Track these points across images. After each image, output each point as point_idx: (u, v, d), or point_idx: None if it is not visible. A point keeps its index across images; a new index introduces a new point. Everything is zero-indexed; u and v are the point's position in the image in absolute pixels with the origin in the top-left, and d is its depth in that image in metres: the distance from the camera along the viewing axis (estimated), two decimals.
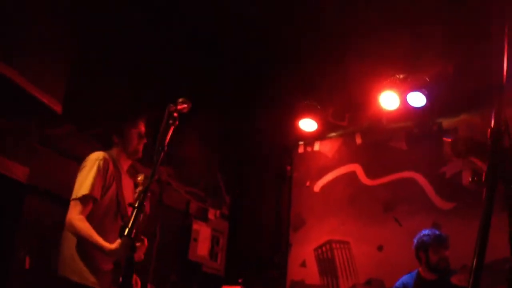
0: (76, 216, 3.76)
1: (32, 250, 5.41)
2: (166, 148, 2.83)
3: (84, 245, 3.76)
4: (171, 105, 2.98)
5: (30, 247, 5.40)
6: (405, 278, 5.49)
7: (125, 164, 4.34)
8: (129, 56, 6.43)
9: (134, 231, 2.40)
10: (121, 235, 2.38)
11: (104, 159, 4.05)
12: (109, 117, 5.39)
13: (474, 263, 1.40)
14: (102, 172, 3.99)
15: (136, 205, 2.51)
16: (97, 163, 4.00)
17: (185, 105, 3.01)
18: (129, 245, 2.36)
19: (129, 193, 4.17)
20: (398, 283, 5.50)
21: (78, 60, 5.77)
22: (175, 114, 2.95)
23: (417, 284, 5.31)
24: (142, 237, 3.90)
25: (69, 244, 3.85)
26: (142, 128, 4.36)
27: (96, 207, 3.95)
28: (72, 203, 3.86)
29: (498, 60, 1.87)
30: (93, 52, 6.10)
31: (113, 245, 3.54)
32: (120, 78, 6.43)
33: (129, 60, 6.47)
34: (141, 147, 4.36)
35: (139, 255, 3.94)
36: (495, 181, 1.48)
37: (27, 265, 5.32)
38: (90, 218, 3.85)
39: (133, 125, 4.31)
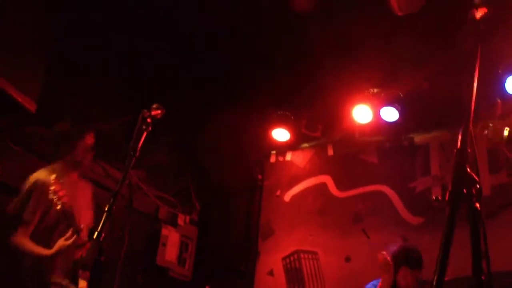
0: (18, 238, 4.13)
1: None
2: (138, 153, 2.83)
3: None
4: (145, 110, 2.99)
5: None
6: (372, 283, 5.49)
7: (74, 174, 4.42)
8: (106, 57, 6.40)
9: (103, 234, 2.41)
10: (89, 238, 2.38)
11: (42, 181, 4.24)
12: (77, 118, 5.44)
13: (435, 281, 1.44)
14: (36, 196, 4.20)
15: (106, 209, 2.51)
16: (35, 186, 4.24)
17: (159, 111, 3.03)
18: (96, 248, 2.36)
19: (85, 199, 4.30)
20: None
21: (54, 60, 5.75)
22: (149, 120, 2.95)
23: None
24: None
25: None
26: (89, 141, 4.44)
27: (41, 225, 4.18)
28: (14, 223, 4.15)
29: (468, 82, 1.91)
30: (70, 52, 6.06)
31: (52, 250, 3.92)
32: (96, 79, 6.40)
33: (106, 61, 6.43)
34: (86, 160, 4.53)
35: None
36: (458, 201, 1.51)
37: None
38: (35, 236, 4.13)
39: (79, 138, 4.40)
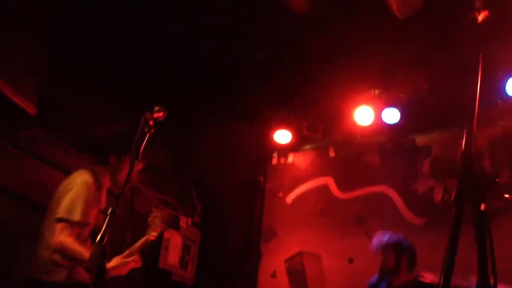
0: (67, 239, 3.93)
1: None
2: (140, 156, 2.83)
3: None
4: (147, 113, 2.98)
5: None
6: (371, 280, 5.49)
7: (107, 183, 4.41)
8: (105, 58, 6.39)
9: (106, 237, 2.40)
10: (93, 242, 2.38)
11: (92, 184, 4.20)
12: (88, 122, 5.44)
13: (441, 285, 1.42)
14: (92, 197, 4.15)
15: (108, 212, 2.51)
16: (87, 188, 4.15)
17: (161, 113, 3.02)
18: (100, 251, 2.36)
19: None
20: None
21: (53, 63, 5.74)
22: (151, 122, 2.95)
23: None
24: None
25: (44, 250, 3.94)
26: (140, 166, 4.45)
27: (83, 229, 4.12)
28: (61, 224, 3.93)
29: (471, 84, 1.91)
30: (68, 55, 6.06)
31: (109, 264, 4.04)
32: (96, 80, 6.39)
33: (105, 62, 6.42)
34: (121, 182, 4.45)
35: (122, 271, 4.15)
36: (463, 202, 1.50)
37: None
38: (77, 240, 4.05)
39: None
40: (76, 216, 3.98)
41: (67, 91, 6.10)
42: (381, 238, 5.47)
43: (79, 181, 4.18)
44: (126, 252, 4.38)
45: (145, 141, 2.87)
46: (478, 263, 1.50)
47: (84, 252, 3.88)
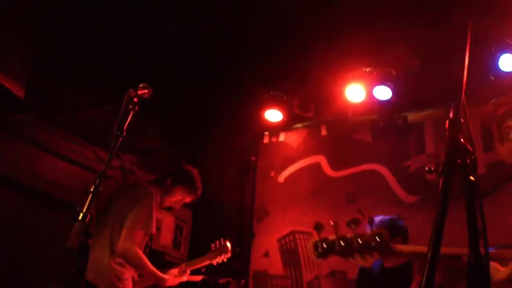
0: (135, 248, 4.31)
1: None
2: (124, 133, 2.77)
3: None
4: (131, 90, 2.93)
5: None
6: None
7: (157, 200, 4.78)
8: (95, 43, 6.32)
9: (88, 216, 2.36)
10: (75, 219, 2.34)
11: (156, 200, 4.62)
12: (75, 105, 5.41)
13: (429, 254, 1.38)
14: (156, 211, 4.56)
15: (91, 190, 2.46)
16: (153, 203, 4.53)
17: (146, 91, 2.96)
18: (82, 230, 2.31)
19: None
20: (359, 268, 5.47)
21: (42, 46, 5.68)
22: (135, 100, 2.89)
23: (376, 269, 5.28)
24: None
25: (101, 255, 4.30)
26: (188, 199, 4.67)
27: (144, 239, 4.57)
28: (133, 232, 4.35)
29: (460, 55, 1.86)
30: (58, 38, 5.99)
31: (166, 276, 4.58)
32: (86, 64, 6.32)
33: (95, 47, 6.35)
34: (169, 205, 5.02)
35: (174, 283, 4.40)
36: (452, 171, 1.46)
37: None
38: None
39: (185, 191, 4.96)
40: (149, 228, 4.46)
41: (57, 75, 6.02)
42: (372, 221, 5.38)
43: (148, 197, 4.57)
44: (182, 266, 4.95)
45: (129, 118, 2.82)
46: (469, 235, 1.46)
47: (147, 262, 4.45)
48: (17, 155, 5.67)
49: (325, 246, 2.59)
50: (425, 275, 1.33)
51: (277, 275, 7.44)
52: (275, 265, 7.50)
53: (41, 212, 5.78)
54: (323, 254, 2.58)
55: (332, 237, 2.59)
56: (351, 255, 2.49)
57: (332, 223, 2.49)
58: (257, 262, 7.65)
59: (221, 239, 4.86)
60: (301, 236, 7.41)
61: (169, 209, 3.42)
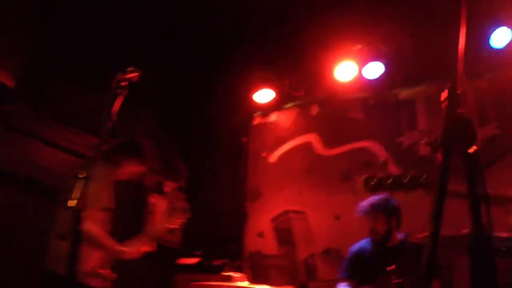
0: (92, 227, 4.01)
1: None
2: (115, 118, 2.72)
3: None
4: (120, 73, 2.87)
5: None
6: (362, 243, 5.45)
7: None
8: (86, 33, 6.25)
9: (80, 203, 2.32)
10: (63, 207, 2.29)
11: (109, 174, 4.49)
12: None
13: (431, 229, 1.35)
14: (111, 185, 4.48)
15: (83, 176, 2.42)
16: (107, 178, 4.38)
17: (134, 74, 2.91)
18: (75, 217, 2.27)
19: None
20: (353, 249, 5.46)
21: (34, 36, 5.62)
22: (124, 83, 2.84)
23: (376, 249, 5.27)
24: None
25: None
26: (136, 169, 4.69)
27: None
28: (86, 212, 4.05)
29: (454, 29, 1.82)
30: (50, 28, 5.91)
31: (125, 247, 4.30)
32: (77, 54, 6.26)
33: (86, 37, 6.29)
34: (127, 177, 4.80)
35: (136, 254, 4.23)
36: (451, 143, 1.43)
37: None
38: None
39: (137, 162, 4.72)
40: (104, 203, 4.26)
41: (48, 65, 5.95)
42: (366, 203, 5.34)
43: (102, 172, 4.20)
44: (142, 236, 4.51)
45: (118, 102, 2.77)
46: (470, 208, 1.43)
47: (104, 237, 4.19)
48: (8, 146, 5.61)
49: (375, 180, 2.63)
50: (427, 250, 1.29)
51: (272, 255, 7.45)
52: (269, 245, 7.50)
53: (35, 201, 5.73)
54: (374, 188, 2.65)
55: (380, 174, 2.62)
56: (400, 189, 2.55)
57: (381, 162, 2.58)
58: (252, 243, 7.66)
59: (174, 203, 4.74)
60: (295, 216, 7.41)
61: (100, 147, 2.96)
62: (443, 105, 1.50)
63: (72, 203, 2.30)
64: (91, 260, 4.08)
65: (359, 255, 5.34)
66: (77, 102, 6.22)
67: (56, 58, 6.03)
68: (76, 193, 2.34)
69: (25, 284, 5.28)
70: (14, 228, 5.39)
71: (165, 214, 4.65)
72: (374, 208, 5.16)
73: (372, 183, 2.57)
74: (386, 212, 5.17)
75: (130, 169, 4.59)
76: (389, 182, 2.56)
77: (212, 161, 8.28)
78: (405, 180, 2.48)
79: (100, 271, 4.28)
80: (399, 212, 5.24)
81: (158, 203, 7.48)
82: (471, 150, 1.47)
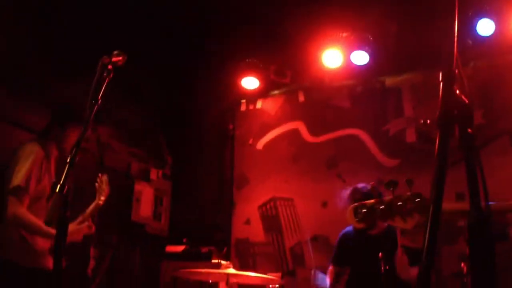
0: (19, 210, 3.83)
1: None
2: (100, 102, 2.68)
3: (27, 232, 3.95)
4: (105, 57, 2.82)
5: None
6: (347, 229, 5.46)
7: (54, 152, 4.28)
8: (65, 16, 6.16)
9: (66, 187, 2.27)
10: (52, 191, 2.25)
11: (38, 152, 4.08)
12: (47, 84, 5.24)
13: (431, 211, 1.33)
14: (39, 165, 4.04)
15: (68, 160, 2.38)
16: (33, 156, 4.03)
17: (120, 57, 2.86)
18: (60, 202, 2.24)
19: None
20: (340, 235, 5.48)
21: (11, 21, 5.54)
22: (109, 67, 2.79)
23: (360, 237, 5.27)
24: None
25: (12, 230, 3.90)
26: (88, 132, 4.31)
27: (36, 199, 4.04)
28: (12, 197, 3.89)
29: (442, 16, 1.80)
30: (27, 12, 5.83)
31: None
32: (55, 38, 6.17)
33: (65, 20, 6.20)
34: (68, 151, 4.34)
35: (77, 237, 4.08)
36: (449, 123, 1.40)
37: None
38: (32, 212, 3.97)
39: (76, 127, 4.26)
40: (16, 181, 3.87)
41: (31, 49, 5.87)
42: (347, 193, 5.32)
43: (26, 152, 4.07)
44: (79, 218, 4.36)
45: (104, 86, 2.72)
46: (469, 189, 1.41)
47: (40, 223, 3.88)
48: None
49: (364, 210, 2.47)
50: (427, 233, 1.27)
51: (259, 242, 7.45)
52: (256, 232, 7.50)
53: None
54: (364, 219, 2.48)
55: (369, 201, 2.48)
56: (391, 217, 2.40)
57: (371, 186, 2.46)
58: (239, 230, 7.65)
59: (99, 176, 4.59)
60: (282, 203, 7.41)
61: (83, 133, 2.70)
62: (441, 85, 1.47)
63: (59, 188, 2.26)
64: (39, 243, 4.02)
65: (344, 243, 5.36)
66: (59, 85, 6.14)
67: (38, 40, 5.95)
68: (63, 179, 2.30)
69: None
70: None
71: (97, 192, 4.56)
72: (363, 196, 5.15)
73: (360, 215, 2.48)
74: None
75: (75, 137, 4.35)
76: (379, 210, 2.43)
77: (197, 148, 8.26)
78: (396, 206, 2.36)
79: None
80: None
81: (144, 191, 7.44)
82: (469, 131, 1.44)
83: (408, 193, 2.41)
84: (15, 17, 5.63)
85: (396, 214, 2.39)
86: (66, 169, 2.35)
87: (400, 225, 2.40)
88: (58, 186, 2.26)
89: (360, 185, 5.19)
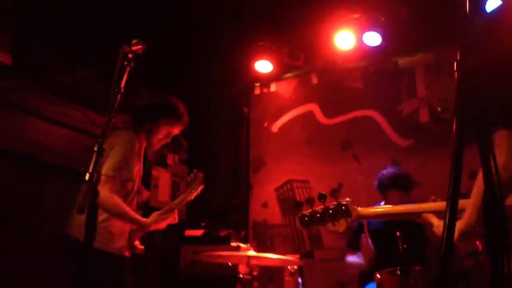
0: (108, 194, 3.86)
1: None
2: (122, 90, 2.74)
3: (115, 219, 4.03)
4: (125, 46, 2.87)
5: None
6: None
7: (144, 143, 4.42)
8: (79, 5, 6.20)
9: (95, 175, 2.34)
10: (82, 180, 2.31)
11: (134, 142, 4.18)
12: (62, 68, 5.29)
13: (449, 202, 1.37)
14: (134, 154, 4.14)
15: (95, 149, 2.44)
16: (130, 144, 4.13)
17: (139, 46, 2.90)
18: (90, 190, 2.30)
19: (139, 174, 4.36)
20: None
21: (27, 10, 5.59)
22: (130, 56, 2.84)
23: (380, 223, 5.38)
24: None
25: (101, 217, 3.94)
26: (176, 130, 4.43)
27: (124, 186, 4.12)
28: (108, 179, 3.93)
29: None
30: (44, 3, 5.87)
31: (149, 219, 4.20)
32: (72, 26, 6.22)
33: (80, 9, 6.24)
34: (159, 145, 4.58)
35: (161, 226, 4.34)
36: (465, 111, 1.44)
37: None
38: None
39: (169, 123, 4.47)
40: (110, 166, 3.95)
41: (43, 38, 5.92)
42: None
43: (123, 138, 4.16)
44: (165, 208, 4.41)
45: (125, 75, 2.78)
46: (484, 177, 1.45)
47: (128, 209, 4.01)
48: (4, 122, 5.59)
49: (306, 219, 2.97)
50: (446, 223, 1.32)
51: (276, 224, 7.53)
52: (274, 214, 7.57)
53: (34, 177, 5.75)
54: (308, 225, 2.98)
55: (308, 211, 2.98)
56: (324, 224, 2.92)
57: (305, 200, 3.00)
58: (256, 213, 7.73)
59: (194, 171, 4.64)
60: (298, 185, 7.46)
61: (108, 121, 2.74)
62: (456, 73, 1.51)
63: (88, 176, 2.33)
64: (124, 233, 4.12)
65: (362, 226, 5.47)
66: (73, 76, 6.20)
67: (50, 32, 5.99)
68: (91, 166, 2.36)
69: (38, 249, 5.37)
70: (9, 203, 5.40)
71: (185, 187, 4.62)
72: (389, 180, 5.30)
73: (305, 222, 2.97)
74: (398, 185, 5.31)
75: (166, 132, 4.48)
76: (316, 218, 2.93)
77: (213, 132, 8.31)
78: (328, 214, 2.90)
79: (135, 243, 4.34)
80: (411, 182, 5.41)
81: (162, 176, 7.52)
82: (484, 120, 1.49)
83: (335, 203, 2.92)
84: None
85: (328, 220, 2.91)
86: (94, 157, 2.42)
87: (332, 229, 2.91)
88: (87, 174, 2.33)
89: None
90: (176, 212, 4.41)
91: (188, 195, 4.51)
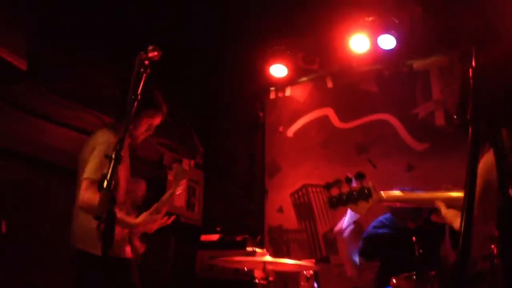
0: (92, 196, 3.76)
1: None
2: (139, 97, 2.75)
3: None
4: (142, 53, 2.88)
5: None
6: (380, 221, 5.55)
7: (128, 139, 4.30)
8: (95, 11, 6.24)
9: (113, 183, 2.35)
10: (100, 188, 2.32)
11: (109, 139, 4.04)
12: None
13: (466, 200, 1.37)
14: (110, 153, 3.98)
15: (113, 156, 2.45)
16: (110, 144, 3.95)
17: (156, 53, 2.92)
18: (108, 198, 2.31)
19: (125, 172, 4.22)
20: (369, 228, 5.58)
21: (42, 15, 5.62)
22: (146, 62, 2.86)
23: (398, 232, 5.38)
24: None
25: (85, 218, 3.87)
26: (157, 121, 4.35)
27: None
28: (86, 182, 3.86)
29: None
30: (57, 7, 5.91)
31: (138, 220, 4.01)
32: (86, 31, 6.26)
33: (95, 15, 6.28)
34: (143, 137, 4.42)
35: (151, 227, 4.09)
36: (480, 117, 1.44)
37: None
38: None
39: (150, 115, 4.32)
40: (90, 173, 3.86)
41: (57, 43, 5.96)
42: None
43: (100, 140, 4.07)
44: (153, 208, 4.23)
45: (142, 81, 2.79)
46: (498, 176, 1.45)
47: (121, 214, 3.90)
48: (17, 124, 5.63)
49: (334, 200, 3.17)
50: (463, 220, 1.32)
51: (291, 229, 7.51)
52: (289, 219, 7.56)
53: (48, 181, 5.79)
54: (335, 206, 3.17)
55: (336, 193, 3.17)
56: (347, 204, 3.14)
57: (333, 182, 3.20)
58: (272, 218, 7.72)
59: (175, 165, 4.55)
60: (314, 189, 7.45)
61: (126, 128, 2.66)
62: (471, 80, 1.51)
63: (106, 184, 2.34)
64: (123, 235, 4.08)
65: (376, 234, 5.48)
66: (86, 79, 6.24)
67: (66, 37, 6.03)
68: (109, 174, 2.38)
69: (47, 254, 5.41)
70: (22, 206, 5.43)
71: (174, 181, 4.49)
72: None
73: (331, 203, 3.18)
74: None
75: (147, 125, 4.38)
76: (343, 199, 3.14)
77: (228, 137, 8.33)
78: (353, 196, 3.10)
79: (136, 243, 4.31)
80: None
81: None
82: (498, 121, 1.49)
83: (359, 186, 3.11)
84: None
85: (351, 202, 3.11)
86: (112, 164, 2.43)
87: (354, 210, 3.12)
88: (106, 182, 2.34)
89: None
90: (164, 210, 4.29)
91: (173, 190, 4.36)
